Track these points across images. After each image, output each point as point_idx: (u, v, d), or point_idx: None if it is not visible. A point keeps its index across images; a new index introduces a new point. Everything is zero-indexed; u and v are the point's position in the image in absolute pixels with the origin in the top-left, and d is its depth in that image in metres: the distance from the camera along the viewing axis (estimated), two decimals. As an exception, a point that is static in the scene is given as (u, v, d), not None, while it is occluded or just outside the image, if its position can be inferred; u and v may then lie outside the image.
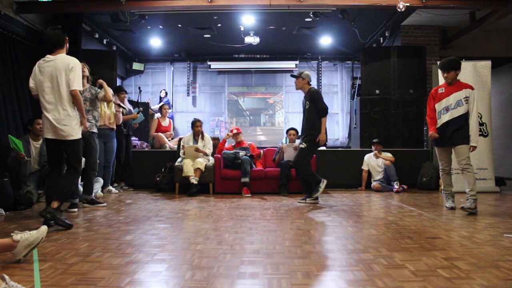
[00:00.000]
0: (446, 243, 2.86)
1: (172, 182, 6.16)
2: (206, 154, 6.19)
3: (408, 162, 6.65)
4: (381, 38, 8.28)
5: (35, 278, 2.09)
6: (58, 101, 3.52)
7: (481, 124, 6.12)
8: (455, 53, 7.16)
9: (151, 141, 7.51)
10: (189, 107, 10.84)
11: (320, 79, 10.61)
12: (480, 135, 5.99)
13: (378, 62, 7.48)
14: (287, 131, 6.72)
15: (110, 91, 4.63)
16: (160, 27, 8.09)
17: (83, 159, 4.19)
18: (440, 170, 4.50)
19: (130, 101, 7.16)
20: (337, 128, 10.71)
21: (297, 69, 10.34)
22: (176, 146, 6.94)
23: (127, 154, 6.34)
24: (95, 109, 4.73)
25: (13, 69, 5.66)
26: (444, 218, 3.97)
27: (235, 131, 6.45)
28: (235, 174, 5.93)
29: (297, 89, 5.17)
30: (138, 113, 6.27)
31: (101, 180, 5.43)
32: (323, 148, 8.05)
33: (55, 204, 3.42)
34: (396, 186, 6.14)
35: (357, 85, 8.71)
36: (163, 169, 6.42)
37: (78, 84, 3.55)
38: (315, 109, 4.95)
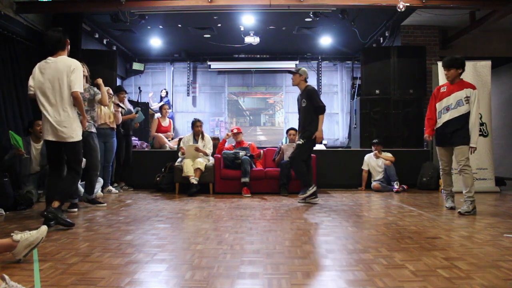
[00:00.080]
0: (446, 243, 2.86)
1: (172, 182, 6.16)
2: (206, 154, 6.19)
3: (408, 162, 6.65)
4: (381, 38, 8.28)
5: (35, 278, 2.09)
6: (59, 103, 3.52)
7: (481, 124, 6.11)
8: (455, 53, 7.14)
9: (151, 141, 7.51)
10: (189, 107, 10.84)
11: (320, 79, 10.62)
12: (480, 135, 5.97)
13: (378, 62, 7.48)
14: (287, 131, 6.73)
15: (106, 95, 4.60)
16: (160, 27, 8.09)
17: (84, 160, 4.20)
18: (440, 170, 4.50)
19: (130, 101, 7.16)
20: (337, 128, 10.71)
21: (297, 68, 10.35)
22: (176, 146, 6.94)
23: (127, 154, 6.34)
24: (93, 109, 4.73)
25: (13, 69, 5.66)
26: (444, 218, 3.97)
27: (235, 131, 6.45)
28: (235, 174, 5.93)
29: (293, 85, 5.14)
30: (136, 112, 6.27)
31: (101, 180, 5.43)
32: (323, 148, 8.08)
33: (56, 204, 3.43)
34: (396, 186, 6.14)
35: (357, 85, 8.71)
36: (163, 169, 6.43)
37: (79, 86, 3.56)
38: (312, 106, 4.92)
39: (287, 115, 10.83)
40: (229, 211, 4.36)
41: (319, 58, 10.50)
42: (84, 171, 4.34)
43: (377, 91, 7.38)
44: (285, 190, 5.88)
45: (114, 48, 8.95)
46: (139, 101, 9.10)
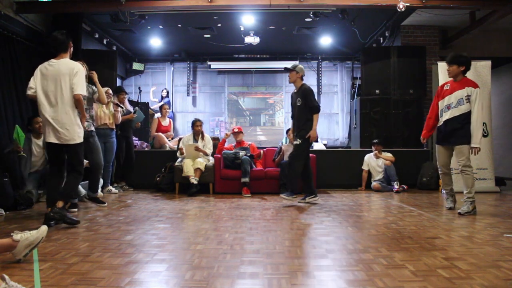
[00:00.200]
0: (446, 243, 2.86)
1: (172, 182, 6.16)
2: (206, 154, 6.19)
3: (408, 162, 6.65)
4: (381, 38, 8.28)
5: (35, 278, 2.09)
6: (61, 105, 3.54)
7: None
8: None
9: (151, 141, 7.51)
10: (189, 107, 10.84)
11: (320, 79, 10.62)
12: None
13: (378, 62, 7.48)
14: (287, 131, 6.73)
15: (103, 92, 4.58)
16: (160, 27, 8.09)
17: (85, 161, 4.21)
18: (438, 169, 4.49)
19: (130, 101, 7.16)
20: (337, 128, 10.71)
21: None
22: (176, 146, 6.94)
23: (129, 154, 6.34)
24: (91, 108, 4.73)
25: (13, 69, 5.66)
26: (444, 218, 3.97)
27: (236, 130, 6.46)
28: (235, 174, 5.93)
29: (290, 82, 5.10)
30: (134, 112, 6.25)
31: (101, 180, 5.42)
32: (323, 148, 8.09)
33: (60, 204, 3.51)
34: (396, 186, 6.14)
35: (357, 85, 8.71)
36: (163, 169, 6.43)
37: (82, 89, 3.58)
38: (307, 106, 4.89)
39: (287, 115, 10.82)
40: (229, 211, 4.36)
41: (319, 58, 10.50)
42: (87, 170, 4.35)
43: (377, 91, 7.38)
44: (285, 190, 5.87)
45: (114, 48, 8.95)
46: (139, 101, 9.10)
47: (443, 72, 6.20)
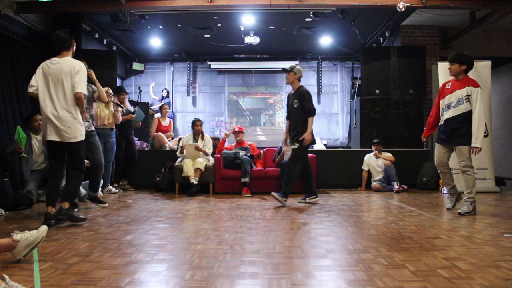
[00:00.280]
0: (446, 243, 2.86)
1: (172, 182, 6.17)
2: (206, 154, 6.19)
3: (408, 162, 6.65)
4: (381, 38, 8.28)
5: (35, 278, 2.09)
6: (63, 104, 3.55)
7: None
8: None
9: (151, 141, 7.51)
10: (189, 107, 10.84)
11: (320, 79, 10.61)
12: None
13: (378, 62, 7.48)
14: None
15: (102, 90, 4.57)
16: (160, 27, 8.09)
17: (86, 161, 4.21)
18: (437, 167, 4.47)
19: (130, 101, 7.15)
20: (337, 128, 10.71)
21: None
22: (176, 146, 6.94)
23: (132, 153, 6.34)
24: (91, 107, 4.74)
25: (13, 69, 5.66)
26: (444, 218, 3.97)
27: (237, 129, 6.46)
28: (235, 174, 5.93)
29: (287, 83, 5.10)
30: (133, 113, 6.25)
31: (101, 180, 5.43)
32: (323, 148, 8.09)
33: (66, 205, 3.59)
34: (396, 186, 6.14)
35: (357, 85, 8.71)
36: (163, 169, 6.43)
37: (83, 87, 3.59)
38: (303, 108, 4.86)
39: (287, 115, 10.82)
40: (229, 211, 4.36)
41: (319, 58, 10.50)
42: (88, 170, 4.35)
43: (377, 91, 7.38)
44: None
45: (114, 48, 8.95)
46: (139, 101, 9.10)
47: (443, 72, 6.21)
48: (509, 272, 2.19)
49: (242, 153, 6.03)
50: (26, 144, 4.91)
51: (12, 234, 2.40)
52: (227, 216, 4.04)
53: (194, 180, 5.81)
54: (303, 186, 5.29)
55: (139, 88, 9.71)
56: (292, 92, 5.03)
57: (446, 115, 4.23)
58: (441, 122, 4.31)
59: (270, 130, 10.85)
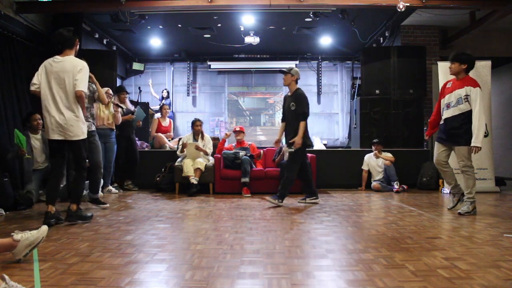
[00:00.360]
0: (446, 243, 2.86)
1: (172, 182, 6.16)
2: (206, 154, 6.19)
3: (408, 162, 6.65)
4: (381, 38, 8.28)
5: (35, 278, 2.09)
6: (65, 102, 3.56)
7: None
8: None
9: (151, 141, 7.51)
10: (189, 107, 10.84)
11: (320, 79, 10.62)
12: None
13: (378, 62, 7.48)
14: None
15: (102, 92, 4.57)
16: (160, 27, 8.09)
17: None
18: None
19: (130, 101, 7.15)
20: (337, 128, 10.71)
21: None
22: (176, 146, 6.93)
23: (133, 153, 6.34)
24: (92, 106, 4.74)
25: (13, 69, 5.66)
26: (444, 218, 3.97)
27: (238, 129, 6.47)
28: (235, 174, 5.93)
29: (284, 85, 5.02)
30: (132, 113, 6.24)
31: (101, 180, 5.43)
32: (323, 148, 8.09)
33: (74, 207, 3.64)
34: (396, 186, 6.13)
35: (357, 85, 8.71)
36: (163, 169, 6.42)
37: (84, 86, 3.59)
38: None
39: (287, 115, 10.82)
40: (229, 211, 4.36)
41: (319, 58, 10.50)
42: (88, 170, 4.35)
43: (377, 91, 7.38)
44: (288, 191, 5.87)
45: (114, 48, 8.95)
46: (139, 101, 9.10)
47: (443, 72, 6.20)
48: (509, 272, 2.19)
49: (242, 153, 6.03)
50: (27, 147, 4.92)
51: (12, 234, 2.40)
52: (227, 216, 4.04)
53: (194, 180, 5.81)
54: (303, 187, 5.28)
55: (139, 88, 9.71)
56: (289, 94, 4.97)
57: (446, 114, 4.23)
58: (441, 121, 4.31)
59: (270, 130, 10.85)
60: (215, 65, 10.52)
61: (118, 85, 7.66)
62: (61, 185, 4.46)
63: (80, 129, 3.62)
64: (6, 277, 1.81)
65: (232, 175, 5.97)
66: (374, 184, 6.36)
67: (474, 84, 4.09)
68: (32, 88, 3.62)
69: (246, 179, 5.80)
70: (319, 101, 10.63)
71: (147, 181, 6.49)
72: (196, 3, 5.98)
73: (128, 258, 2.47)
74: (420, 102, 7.36)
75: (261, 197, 5.56)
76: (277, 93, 10.93)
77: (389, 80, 7.34)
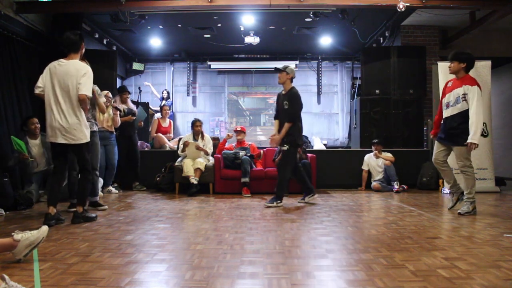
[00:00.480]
0: (446, 243, 2.86)
1: (172, 182, 6.16)
2: (207, 153, 6.19)
3: (408, 162, 6.65)
4: (381, 38, 8.27)
5: (35, 278, 2.09)
6: (69, 106, 3.57)
7: (480, 124, 6.08)
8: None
9: (151, 141, 7.51)
10: (189, 107, 10.83)
11: (320, 79, 10.61)
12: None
13: (378, 62, 7.48)
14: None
15: (102, 103, 4.57)
16: (160, 27, 8.09)
17: None
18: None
19: (131, 101, 7.15)
20: (337, 128, 10.70)
21: (297, 69, 10.32)
22: (176, 146, 6.93)
23: (134, 154, 6.35)
24: (94, 108, 4.74)
25: (13, 69, 5.66)
26: (444, 218, 3.97)
27: (239, 129, 6.46)
28: (235, 174, 5.93)
29: (279, 83, 4.96)
30: (133, 115, 6.24)
31: (101, 180, 5.43)
32: (323, 148, 8.08)
33: (80, 209, 3.68)
34: (396, 186, 6.13)
35: (357, 85, 8.71)
36: (163, 169, 6.42)
37: (87, 90, 3.59)
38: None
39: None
40: (229, 211, 4.36)
41: (319, 58, 10.49)
42: None
43: (377, 91, 7.38)
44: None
45: (114, 48, 8.94)
46: (139, 101, 9.10)
47: (443, 72, 6.20)
48: (509, 272, 2.19)
49: (242, 153, 6.03)
50: (28, 151, 4.92)
51: (12, 234, 2.41)
52: (227, 216, 4.04)
53: (194, 180, 5.81)
54: (301, 186, 5.24)
55: (139, 88, 9.71)
56: (283, 92, 4.93)
57: (445, 113, 4.24)
58: (442, 121, 4.32)
59: (270, 130, 10.80)
60: (215, 65, 10.52)
61: (118, 85, 7.66)
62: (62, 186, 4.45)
63: (82, 133, 3.64)
64: (6, 277, 1.81)
65: (232, 175, 5.96)
66: (374, 184, 6.36)
67: (472, 82, 4.07)
68: (37, 91, 3.63)
69: (246, 179, 5.80)
70: (319, 101, 10.62)
71: (147, 181, 6.50)
72: (196, 3, 5.98)
73: (128, 258, 2.47)
74: (420, 102, 7.36)
75: (261, 197, 5.56)
76: (277, 93, 10.91)
77: (389, 80, 7.34)
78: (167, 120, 7.62)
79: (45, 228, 2.52)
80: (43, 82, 3.60)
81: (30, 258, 2.42)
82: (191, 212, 4.35)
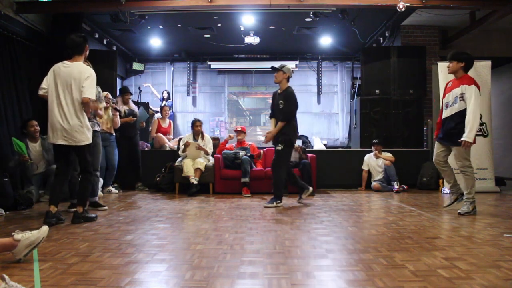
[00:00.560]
0: (446, 243, 2.86)
1: (172, 182, 6.16)
2: (207, 153, 6.19)
3: (408, 162, 6.65)
4: (381, 38, 8.27)
5: (35, 278, 2.09)
6: (71, 108, 3.58)
7: (481, 124, 6.08)
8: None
9: (151, 141, 7.51)
10: (189, 107, 10.83)
11: (320, 79, 10.61)
12: (480, 135, 5.95)
13: (378, 62, 7.48)
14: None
15: (102, 114, 4.59)
16: (160, 27, 8.09)
17: None
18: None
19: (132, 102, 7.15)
20: (337, 128, 10.70)
21: (297, 69, 10.35)
22: (176, 146, 6.93)
23: (136, 154, 6.35)
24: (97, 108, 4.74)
25: (13, 69, 5.66)
26: (444, 218, 3.97)
27: (239, 129, 6.46)
28: (235, 174, 5.93)
29: (275, 82, 4.91)
30: (134, 116, 6.23)
31: (101, 180, 5.43)
32: (323, 148, 8.08)
33: (81, 209, 3.68)
34: (396, 186, 6.13)
35: (357, 85, 8.71)
36: (163, 169, 6.42)
37: (90, 93, 3.60)
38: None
39: (287, 115, 10.80)
40: (229, 211, 4.36)
41: (319, 58, 10.49)
42: None
43: (377, 91, 7.38)
44: (285, 190, 5.86)
45: (114, 48, 8.94)
46: (139, 101, 9.10)
47: (443, 72, 6.20)
48: (509, 272, 2.19)
49: (242, 153, 6.03)
50: (28, 152, 4.92)
51: (13, 233, 2.41)
52: (227, 216, 4.04)
53: (194, 180, 5.81)
54: (297, 187, 5.17)
55: (139, 88, 9.71)
56: (279, 91, 4.89)
57: (445, 114, 4.26)
58: (442, 121, 4.33)
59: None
60: (215, 65, 10.52)
61: (118, 85, 7.66)
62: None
63: (84, 135, 3.65)
64: (6, 277, 1.81)
65: (232, 175, 5.96)
66: (374, 184, 6.36)
67: (470, 82, 4.07)
68: (41, 92, 3.65)
69: (246, 179, 5.80)
70: (319, 101, 10.62)
71: (147, 181, 6.49)
72: (196, 3, 5.98)
73: (128, 258, 2.47)
74: (420, 102, 7.36)
75: (261, 197, 5.56)
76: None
77: (389, 80, 7.34)
78: (167, 120, 7.62)
79: (45, 228, 2.53)
80: (47, 84, 3.62)
81: (30, 258, 2.42)
82: (191, 212, 4.35)
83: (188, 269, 2.26)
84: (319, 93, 10.59)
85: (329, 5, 6.24)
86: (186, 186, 5.91)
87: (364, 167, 6.57)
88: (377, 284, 2.01)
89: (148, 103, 9.23)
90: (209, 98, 10.93)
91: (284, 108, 4.73)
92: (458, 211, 4.08)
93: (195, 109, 10.78)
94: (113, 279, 2.10)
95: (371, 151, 6.60)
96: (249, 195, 5.73)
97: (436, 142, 4.41)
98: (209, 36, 8.58)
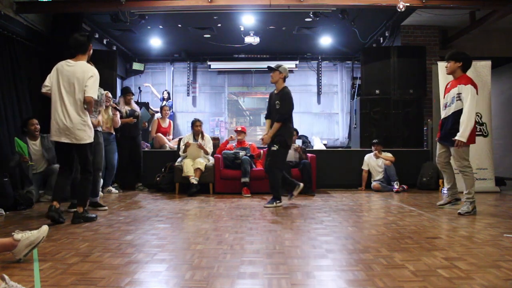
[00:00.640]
0: (446, 243, 2.86)
1: (172, 182, 6.16)
2: (207, 153, 6.19)
3: (408, 162, 6.65)
4: (381, 38, 8.27)
5: (35, 278, 2.09)
6: (73, 106, 3.59)
7: (481, 124, 6.09)
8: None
9: (151, 141, 7.51)
10: (189, 107, 10.83)
11: (320, 79, 10.61)
12: (480, 135, 5.94)
13: (378, 62, 7.48)
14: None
15: (100, 120, 4.60)
16: (160, 27, 8.09)
17: None
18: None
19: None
20: (337, 128, 10.70)
21: (297, 69, 10.35)
22: (176, 146, 6.93)
23: (137, 154, 6.35)
24: (98, 109, 4.74)
25: (13, 69, 5.66)
26: (444, 218, 3.97)
27: (239, 129, 6.46)
28: (235, 174, 5.93)
29: (272, 82, 4.89)
30: (134, 117, 6.23)
31: (101, 180, 5.42)
32: (323, 148, 8.08)
33: (81, 209, 3.68)
34: (396, 186, 6.13)
35: (357, 85, 8.71)
36: (163, 169, 6.42)
37: (93, 92, 3.61)
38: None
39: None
40: (229, 211, 4.36)
41: (319, 58, 10.49)
42: None
43: (377, 91, 7.38)
44: (285, 190, 5.86)
45: (114, 48, 8.94)
46: (139, 101, 9.10)
47: (443, 72, 6.18)
48: (509, 272, 2.19)
49: (242, 153, 6.03)
50: (29, 153, 4.92)
51: (13, 233, 2.41)
52: (227, 216, 4.04)
53: (194, 180, 5.81)
54: (287, 187, 5.13)
55: (139, 88, 9.71)
56: (275, 92, 4.87)
57: (443, 114, 4.30)
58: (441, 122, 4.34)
59: (270, 130, 10.83)
60: (215, 65, 10.52)
61: (118, 85, 7.66)
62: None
63: (86, 134, 3.66)
64: (6, 277, 1.81)
65: (232, 175, 5.96)
66: (374, 184, 6.36)
67: (466, 82, 4.07)
68: (44, 89, 3.66)
69: (246, 179, 5.80)
70: (319, 101, 10.62)
71: (147, 181, 6.49)
72: (196, 3, 5.98)
73: (128, 258, 2.47)
74: (420, 102, 7.36)
75: (261, 197, 5.56)
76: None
77: (389, 80, 7.34)
78: (167, 120, 7.61)
79: (45, 228, 2.53)
80: (50, 81, 3.64)
81: (30, 258, 2.42)
82: (191, 212, 4.35)
83: (188, 269, 2.27)
84: (319, 93, 10.59)
85: (329, 5, 6.24)
86: (186, 186, 5.91)
87: (364, 167, 6.57)
88: (377, 284, 2.01)
89: (148, 103, 9.24)
90: (209, 98, 10.92)
91: (280, 108, 4.72)
92: (458, 211, 4.09)
93: (195, 109, 10.78)
94: (113, 279, 2.10)
95: (371, 151, 6.60)
96: (249, 195, 5.73)
97: (437, 143, 4.43)
98: (209, 36, 8.58)
